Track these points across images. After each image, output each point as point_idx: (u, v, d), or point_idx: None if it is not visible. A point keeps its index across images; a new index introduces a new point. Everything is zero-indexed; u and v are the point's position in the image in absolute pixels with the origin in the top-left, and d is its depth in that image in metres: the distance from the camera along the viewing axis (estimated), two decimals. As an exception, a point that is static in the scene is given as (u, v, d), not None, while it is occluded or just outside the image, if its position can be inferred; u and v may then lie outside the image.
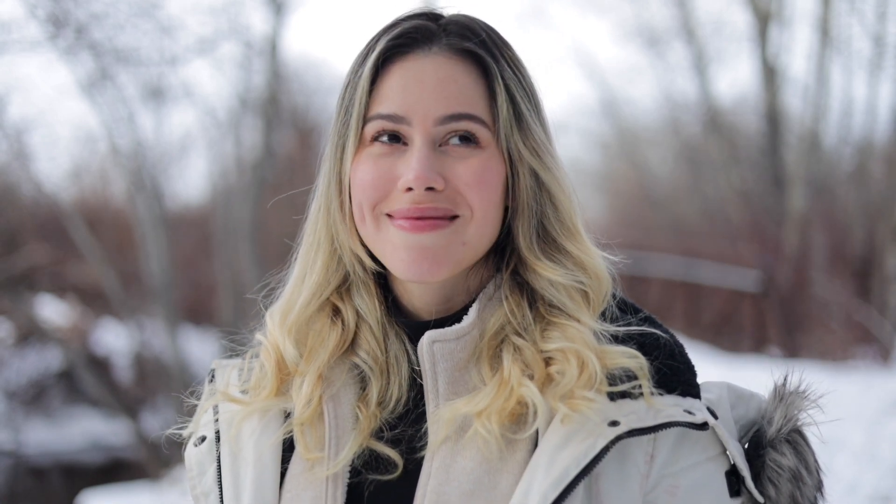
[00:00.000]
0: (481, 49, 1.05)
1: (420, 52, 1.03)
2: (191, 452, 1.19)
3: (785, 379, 1.16)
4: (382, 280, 1.15)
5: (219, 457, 1.14)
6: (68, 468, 13.45)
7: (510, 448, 1.03)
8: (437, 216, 1.02)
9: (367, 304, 1.13)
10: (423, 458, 1.07)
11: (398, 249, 1.03)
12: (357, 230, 1.09)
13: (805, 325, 11.12)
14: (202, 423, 1.20)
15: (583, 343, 1.02)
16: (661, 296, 13.71)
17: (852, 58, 13.04)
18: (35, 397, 14.34)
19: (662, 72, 19.03)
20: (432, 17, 1.07)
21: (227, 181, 14.35)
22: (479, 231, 1.05)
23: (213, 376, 1.25)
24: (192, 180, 17.27)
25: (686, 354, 1.09)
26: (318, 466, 1.10)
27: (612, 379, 1.02)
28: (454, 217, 1.04)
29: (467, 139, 1.03)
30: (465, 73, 1.04)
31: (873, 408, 6.78)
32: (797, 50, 17.46)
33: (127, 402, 12.67)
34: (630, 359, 1.02)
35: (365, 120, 1.04)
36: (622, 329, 1.06)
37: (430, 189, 1.01)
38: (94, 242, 12.65)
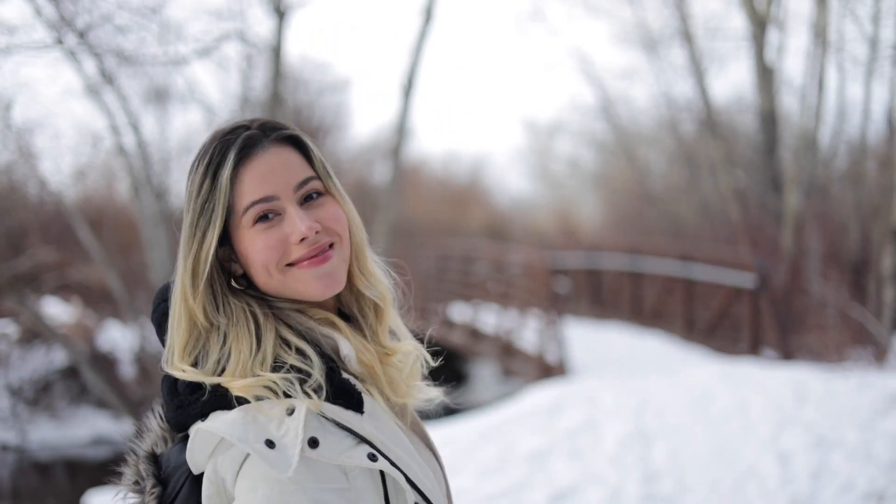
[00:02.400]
0: (295, 133, 1.42)
1: (259, 151, 1.36)
2: (370, 474, 1.26)
3: None
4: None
5: (384, 454, 1.27)
6: (73, 465, 13.58)
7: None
8: (326, 249, 1.37)
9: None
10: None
11: (312, 280, 1.36)
12: (259, 285, 1.39)
13: (801, 325, 11.22)
14: (355, 453, 1.24)
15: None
16: (658, 296, 13.82)
17: (847, 60, 13.21)
18: (40, 395, 14.46)
19: (660, 73, 19.19)
20: (246, 126, 1.38)
21: (229, 181, 14.41)
22: (346, 251, 1.42)
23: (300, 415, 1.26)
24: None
25: None
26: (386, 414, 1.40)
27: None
28: (332, 245, 1.38)
29: (318, 193, 1.40)
30: (291, 152, 1.39)
31: (868, 407, 6.88)
32: (793, 52, 17.90)
33: (131, 400, 12.79)
34: None
35: (243, 211, 1.34)
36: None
37: (317, 233, 1.36)
38: (99, 242, 12.75)
